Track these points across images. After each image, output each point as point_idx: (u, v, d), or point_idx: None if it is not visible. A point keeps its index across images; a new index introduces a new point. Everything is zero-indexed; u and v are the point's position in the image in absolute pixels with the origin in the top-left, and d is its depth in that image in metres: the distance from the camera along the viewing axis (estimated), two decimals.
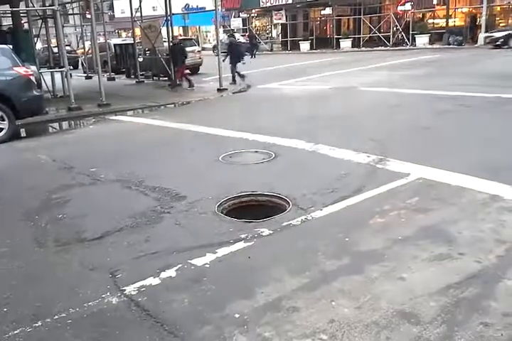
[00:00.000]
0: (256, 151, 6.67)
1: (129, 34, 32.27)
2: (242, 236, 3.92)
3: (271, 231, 4.01)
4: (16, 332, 2.81)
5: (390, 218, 4.17)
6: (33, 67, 11.18)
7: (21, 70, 8.97)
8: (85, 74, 21.72)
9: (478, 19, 27.62)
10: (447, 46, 26.48)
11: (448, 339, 2.55)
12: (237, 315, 2.85)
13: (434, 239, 3.72)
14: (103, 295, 3.14)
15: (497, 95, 9.78)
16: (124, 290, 3.20)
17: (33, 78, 9.27)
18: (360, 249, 3.64)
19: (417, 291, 3.01)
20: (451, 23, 29.78)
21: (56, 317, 2.94)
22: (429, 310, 2.81)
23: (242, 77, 15.81)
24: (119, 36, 43.94)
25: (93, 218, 4.57)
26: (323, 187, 4.97)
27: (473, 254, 3.45)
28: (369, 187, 4.90)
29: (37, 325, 2.87)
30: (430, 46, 27.57)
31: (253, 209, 4.72)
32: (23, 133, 9.97)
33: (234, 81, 15.94)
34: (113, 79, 19.71)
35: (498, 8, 29.05)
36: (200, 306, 2.98)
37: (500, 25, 28.69)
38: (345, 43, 32.53)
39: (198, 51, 22.97)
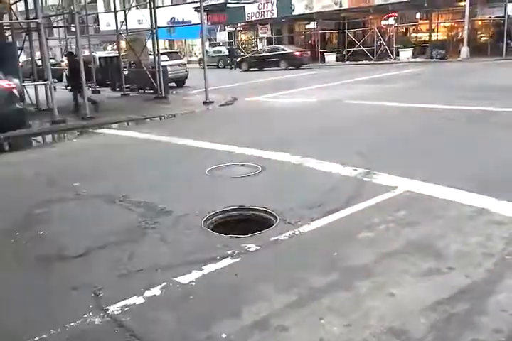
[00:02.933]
0: (242, 164, 6.62)
1: (115, 47, 32.25)
2: (229, 252, 3.85)
3: (258, 247, 3.94)
4: None
5: (378, 232, 4.14)
6: (16, 80, 11.06)
7: (3, 83, 8.87)
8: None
9: (460, 33, 28.14)
10: (430, 60, 26.88)
11: None
12: (224, 335, 2.77)
13: (422, 254, 3.68)
14: (85, 315, 3.04)
15: (480, 108, 9.89)
16: (107, 309, 3.10)
17: (15, 91, 9.16)
18: (348, 263, 3.59)
19: (407, 307, 2.96)
20: (433, 37, 30.29)
21: (36, 338, 2.83)
22: (419, 327, 2.76)
23: (94, 103, 13.30)
24: (104, 49, 43.90)
25: (75, 234, 4.46)
26: (311, 200, 4.93)
27: (462, 268, 3.42)
28: (356, 200, 4.87)
29: None
30: (413, 60, 27.95)
31: (240, 224, 4.65)
32: (5, 147, 9.82)
33: (77, 108, 13.38)
34: (98, 92, 19.59)
35: (480, 23, 29.61)
36: (186, 326, 2.90)
37: (482, 39, 29.30)
38: (330, 57, 32.84)
39: (184, 64, 22.99)
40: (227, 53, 36.87)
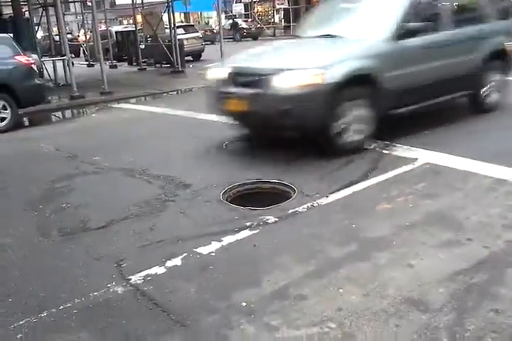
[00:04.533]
0: None
1: (131, 21, 32.02)
2: (248, 224, 3.89)
3: (276, 219, 3.97)
4: (21, 322, 2.79)
5: (397, 204, 4.12)
6: (35, 56, 11.10)
7: (23, 59, 8.90)
8: (87, 62, 21.61)
9: None
10: None
11: (458, 326, 2.52)
12: (243, 304, 2.83)
13: (441, 225, 3.68)
14: (108, 285, 3.12)
15: None
16: (130, 279, 3.18)
17: (34, 67, 9.20)
18: (367, 235, 3.60)
19: (426, 278, 2.97)
20: None
21: (61, 307, 2.92)
22: (438, 297, 2.77)
23: None
24: (120, 23, 43.61)
25: (97, 207, 4.54)
26: (329, 173, 4.92)
27: (482, 240, 3.40)
28: (375, 172, 4.85)
29: (42, 315, 2.85)
30: None
31: (258, 196, 4.67)
32: (25, 123, 9.94)
33: None
34: (115, 66, 19.60)
35: None
36: (206, 295, 2.96)
37: None
38: None
39: (200, 37, 22.77)
40: (244, 26, 36.39)
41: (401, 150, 5.50)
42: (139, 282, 3.14)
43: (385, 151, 5.53)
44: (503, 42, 6.94)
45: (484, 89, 6.88)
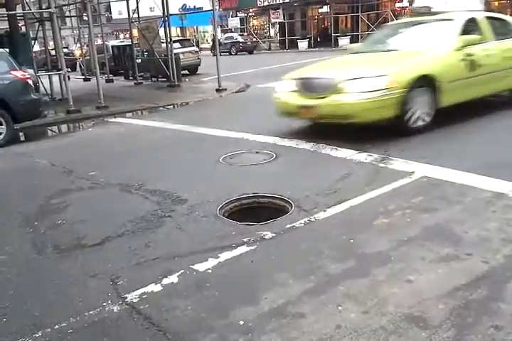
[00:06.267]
0: (257, 152, 6.60)
1: (127, 35, 32.18)
2: (245, 239, 3.85)
3: (274, 234, 3.94)
4: None
5: (395, 218, 4.10)
6: (31, 71, 11.14)
7: (18, 74, 8.91)
8: (83, 77, 21.69)
9: None
10: None
11: None
12: (241, 322, 2.79)
13: (440, 240, 3.65)
14: (104, 303, 3.07)
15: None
16: (126, 297, 3.13)
17: (30, 81, 9.21)
18: (365, 250, 3.58)
19: (425, 294, 2.94)
20: None
21: (56, 326, 2.87)
22: (438, 314, 2.74)
23: None
24: (117, 37, 43.86)
25: (93, 223, 4.51)
26: (326, 187, 4.90)
27: (480, 254, 3.38)
28: (372, 186, 4.83)
29: (37, 335, 2.80)
30: None
31: (255, 211, 4.65)
32: (21, 137, 9.92)
33: None
34: (111, 81, 19.66)
35: (496, 3, 29.00)
36: (203, 313, 2.91)
37: None
38: (344, 41, 32.49)
39: (196, 51, 22.92)
40: (239, 40, 36.65)
41: (397, 164, 5.49)
42: (134, 300, 3.09)
43: (381, 165, 5.53)
44: None
45: None
